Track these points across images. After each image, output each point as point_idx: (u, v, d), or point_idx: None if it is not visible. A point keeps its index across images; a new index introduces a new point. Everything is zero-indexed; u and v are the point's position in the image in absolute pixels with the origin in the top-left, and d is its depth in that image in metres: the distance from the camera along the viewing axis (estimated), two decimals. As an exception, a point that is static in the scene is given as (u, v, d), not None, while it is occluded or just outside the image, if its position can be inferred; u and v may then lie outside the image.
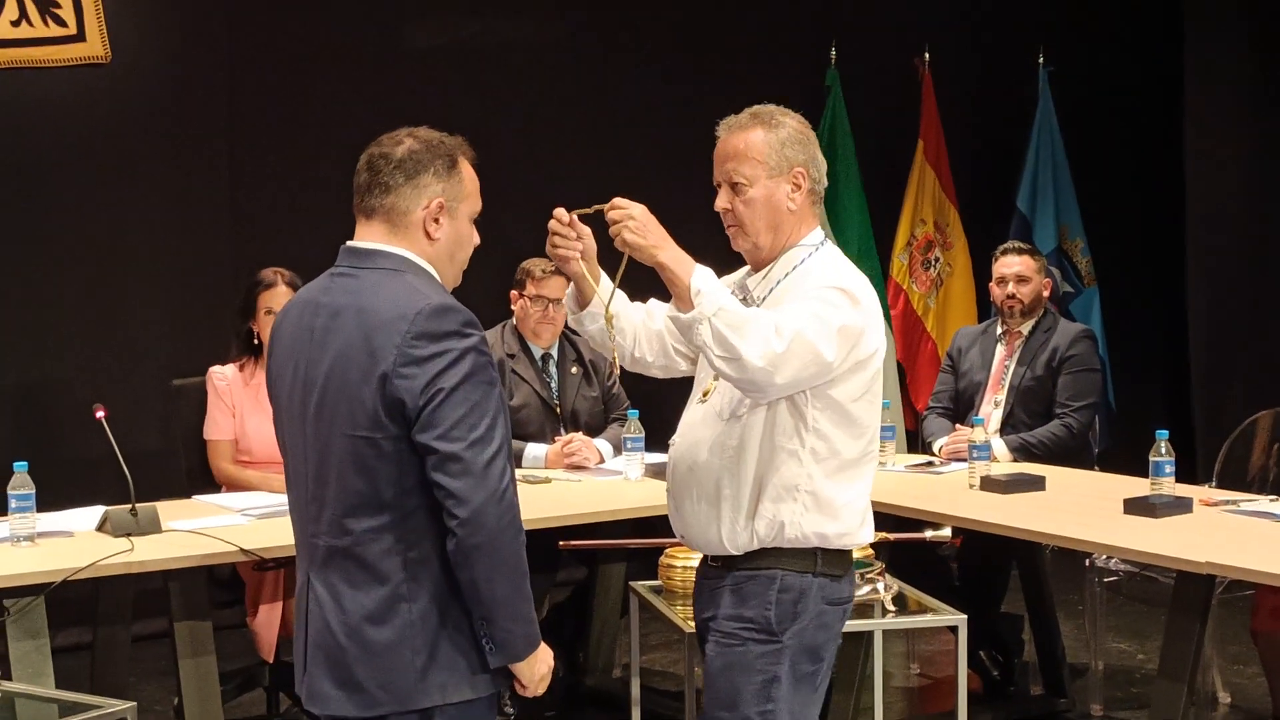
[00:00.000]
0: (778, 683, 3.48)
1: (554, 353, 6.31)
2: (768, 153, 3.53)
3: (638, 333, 3.76)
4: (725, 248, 3.71)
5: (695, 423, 3.61)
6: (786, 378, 3.34)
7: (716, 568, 3.59)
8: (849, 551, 3.57)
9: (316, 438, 3.08)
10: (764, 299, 3.56)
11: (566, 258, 3.58)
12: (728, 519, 3.51)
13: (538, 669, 3.14)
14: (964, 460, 5.76)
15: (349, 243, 3.17)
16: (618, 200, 3.39)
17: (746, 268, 3.71)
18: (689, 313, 3.32)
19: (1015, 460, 6.07)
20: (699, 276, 3.33)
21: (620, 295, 3.67)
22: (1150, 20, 9.62)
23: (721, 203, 3.59)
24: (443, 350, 2.96)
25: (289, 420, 3.17)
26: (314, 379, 3.07)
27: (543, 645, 3.14)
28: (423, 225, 3.13)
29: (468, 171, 3.23)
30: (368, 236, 3.15)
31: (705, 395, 3.61)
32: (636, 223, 3.35)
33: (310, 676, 3.12)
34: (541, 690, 3.16)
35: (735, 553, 3.51)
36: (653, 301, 3.79)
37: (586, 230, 3.57)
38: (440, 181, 3.16)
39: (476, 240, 3.27)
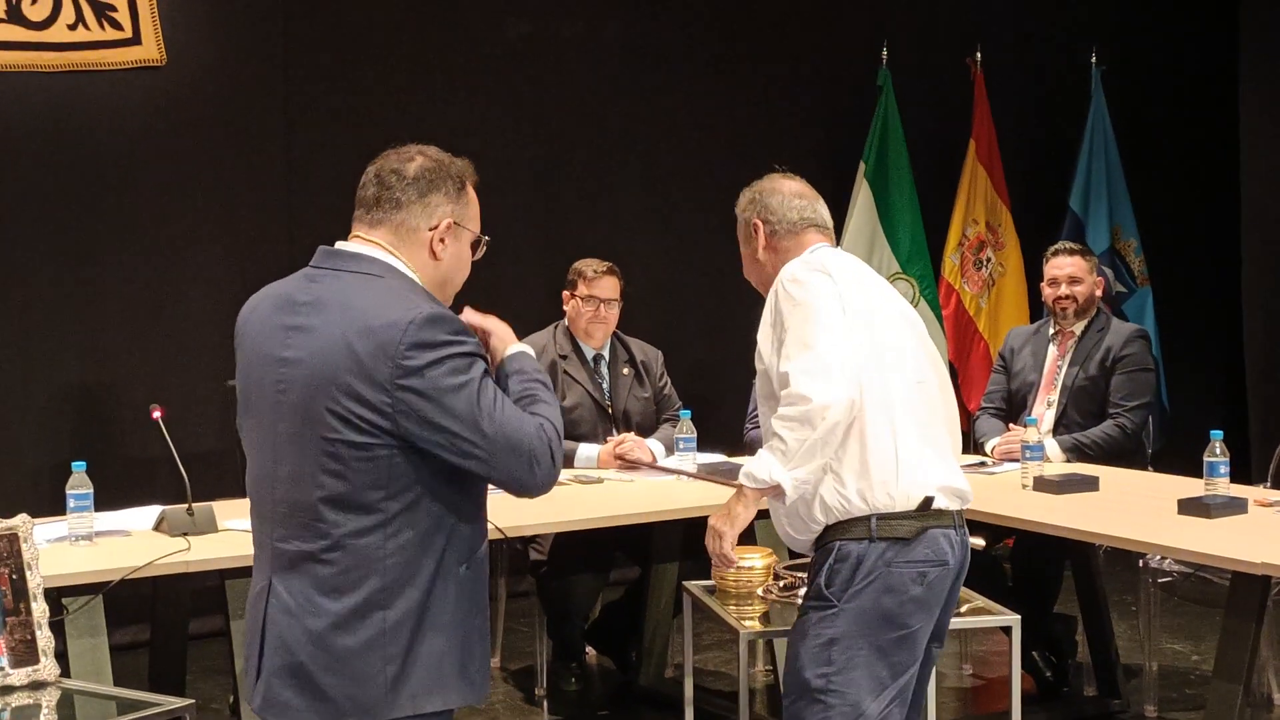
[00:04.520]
0: (835, 645, 3.68)
1: (605, 353, 6.33)
2: (740, 228, 4.07)
3: None
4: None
5: None
6: (839, 394, 3.60)
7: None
8: (916, 514, 3.71)
9: (289, 439, 3.03)
10: None
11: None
12: (782, 511, 3.79)
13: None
14: (1016, 460, 5.74)
15: (338, 244, 3.16)
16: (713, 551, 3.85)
17: None
18: (782, 497, 3.69)
19: (1068, 460, 6.06)
20: (743, 475, 3.73)
21: None
22: (1204, 18, 9.58)
23: None
24: (439, 358, 2.94)
25: (256, 420, 3.12)
26: (291, 379, 3.02)
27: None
28: (429, 244, 3.13)
29: (474, 196, 3.24)
30: (366, 244, 3.14)
31: None
32: (722, 536, 3.81)
33: (268, 685, 3.05)
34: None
35: (805, 538, 3.80)
36: None
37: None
38: (450, 203, 3.15)
39: (474, 259, 3.26)
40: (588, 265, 6.26)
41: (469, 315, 3.22)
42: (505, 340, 3.27)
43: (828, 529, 3.72)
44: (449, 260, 3.16)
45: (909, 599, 3.69)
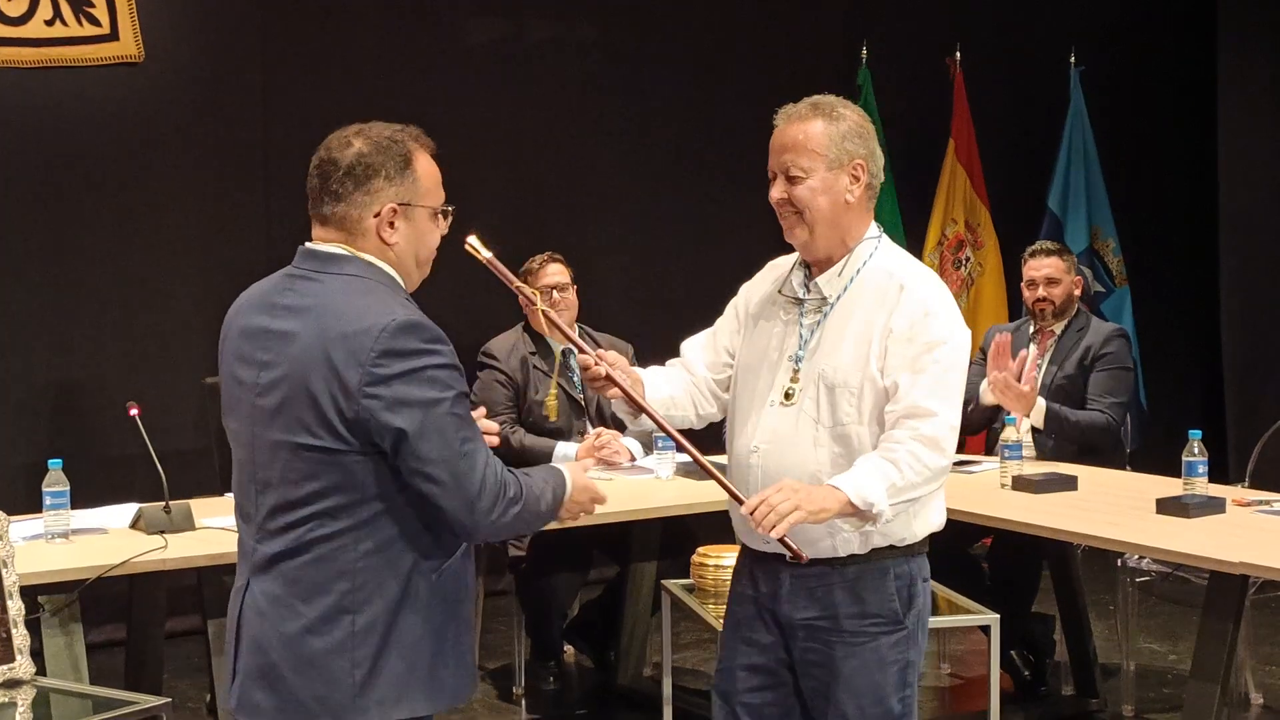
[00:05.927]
0: (912, 667, 3.52)
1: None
2: (827, 145, 3.46)
3: (694, 399, 3.74)
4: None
5: (785, 427, 3.49)
6: (954, 451, 3.43)
7: (808, 565, 3.47)
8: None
9: (266, 442, 3.00)
10: (839, 297, 3.50)
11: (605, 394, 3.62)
12: (840, 527, 3.41)
13: (578, 500, 3.20)
14: (995, 459, 5.74)
15: (308, 244, 3.08)
16: (758, 505, 3.27)
17: (792, 268, 3.62)
18: (873, 523, 3.33)
19: (1046, 427, 6.07)
20: (854, 490, 3.28)
21: (654, 381, 3.69)
22: (1183, 19, 9.60)
23: (776, 194, 3.50)
24: (410, 369, 2.89)
25: (237, 423, 3.10)
26: (268, 383, 2.99)
27: (570, 475, 3.19)
28: (377, 231, 3.02)
29: (423, 167, 3.08)
30: (325, 240, 3.06)
31: (788, 398, 3.51)
32: (800, 511, 3.24)
33: (243, 686, 3.04)
34: (594, 508, 3.25)
35: (844, 555, 3.46)
36: (684, 353, 3.82)
37: (608, 354, 3.55)
38: (393, 185, 3.02)
39: (441, 232, 3.13)
40: (532, 260, 6.32)
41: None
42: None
43: (875, 548, 3.47)
44: (405, 242, 3.06)
45: (930, 610, 3.60)
